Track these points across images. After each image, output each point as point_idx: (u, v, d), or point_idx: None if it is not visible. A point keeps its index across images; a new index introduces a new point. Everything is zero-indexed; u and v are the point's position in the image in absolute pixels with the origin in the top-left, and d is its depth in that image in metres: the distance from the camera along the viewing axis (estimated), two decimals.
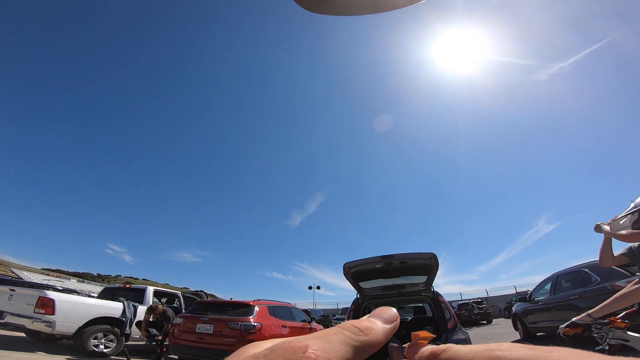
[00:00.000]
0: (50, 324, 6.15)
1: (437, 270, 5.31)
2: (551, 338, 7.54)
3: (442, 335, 4.84)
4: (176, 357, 6.93)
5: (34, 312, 6.20)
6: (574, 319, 2.07)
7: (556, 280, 7.29)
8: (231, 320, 6.04)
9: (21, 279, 29.14)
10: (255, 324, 6.03)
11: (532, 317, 7.88)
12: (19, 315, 6.31)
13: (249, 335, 5.85)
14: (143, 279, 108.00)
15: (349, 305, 5.99)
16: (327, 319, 22.24)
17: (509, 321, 12.02)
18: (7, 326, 6.63)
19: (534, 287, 8.85)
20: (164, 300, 9.47)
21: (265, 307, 6.79)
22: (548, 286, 7.59)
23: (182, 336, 6.28)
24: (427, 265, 5.22)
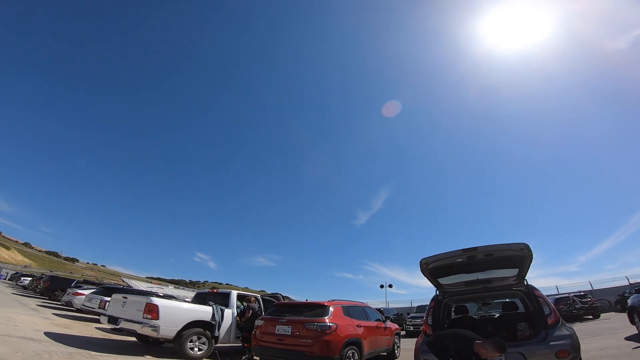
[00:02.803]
0: (156, 328, 6.68)
1: (530, 262, 4.77)
2: None
3: (541, 331, 4.34)
4: (257, 358, 7.18)
5: (143, 318, 6.79)
6: None
7: None
8: (308, 321, 6.10)
9: (130, 287, 33.68)
10: (331, 324, 6.03)
11: None
12: (131, 321, 6.97)
13: (325, 335, 5.86)
14: (227, 284, 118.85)
15: (423, 303, 5.71)
16: (401, 317, 21.37)
17: (622, 315, 10.94)
18: (121, 331, 7.47)
19: None
20: (245, 303, 10.02)
21: (340, 307, 6.74)
22: None
23: (263, 338, 6.51)
24: (519, 257, 4.73)
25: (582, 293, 19.55)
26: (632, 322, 8.29)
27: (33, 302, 15.97)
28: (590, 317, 16.81)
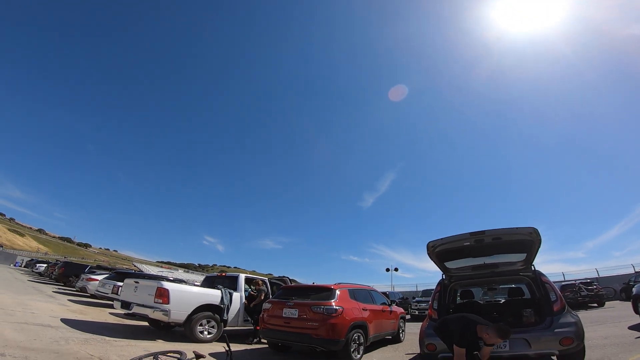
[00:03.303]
0: (167, 312, 6.78)
1: (539, 246, 4.71)
2: None
3: (547, 318, 4.33)
4: (265, 341, 7.34)
5: (154, 302, 6.88)
6: None
7: None
8: (314, 304, 6.15)
9: (142, 271, 34.47)
10: (337, 307, 6.06)
11: None
12: (142, 306, 7.07)
13: (331, 318, 5.89)
14: (234, 267, 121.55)
15: (429, 287, 5.74)
16: (406, 301, 21.27)
17: (627, 304, 10.78)
18: (134, 316, 7.63)
19: None
20: (253, 287, 10.14)
21: (346, 291, 6.78)
22: None
23: (270, 320, 6.60)
24: (527, 241, 4.67)
25: (588, 280, 19.50)
26: (636, 311, 8.26)
27: (49, 289, 16.49)
28: (596, 305, 16.83)
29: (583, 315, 12.02)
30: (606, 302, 17.44)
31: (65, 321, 7.31)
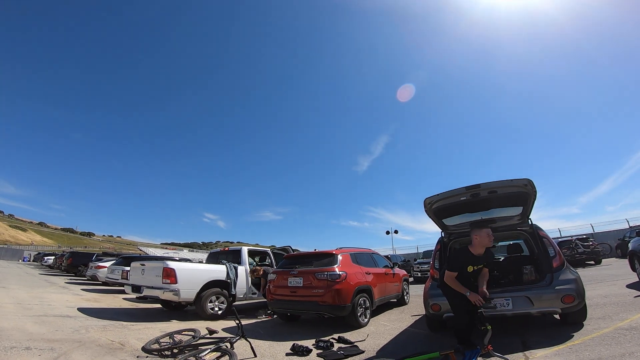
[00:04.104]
0: (177, 292, 6.85)
1: (534, 199, 4.67)
2: None
3: (547, 275, 4.34)
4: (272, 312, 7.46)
5: (162, 283, 6.94)
6: None
7: None
8: (318, 271, 6.13)
9: (147, 254, 34.99)
10: (340, 272, 6.03)
11: None
12: (152, 288, 7.16)
13: (336, 284, 5.90)
14: (237, 242, 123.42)
15: (429, 249, 5.83)
16: (408, 264, 21.28)
17: (623, 262, 10.65)
18: (146, 299, 7.74)
19: None
20: (257, 258, 10.08)
21: (348, 255, 6.72)
22: None
23: (277, 291, 6.60)
24: (522, 193, 4.59)
25: (584, 236, 18.77)
26: (633, 268, 8.10)
27: (61, 280, 16.77)
28: (592, 262, 16.52)
29: (581, 273, 11.94)
30: (603, 260, 17.04)
31: (82, 310, 7.50)
